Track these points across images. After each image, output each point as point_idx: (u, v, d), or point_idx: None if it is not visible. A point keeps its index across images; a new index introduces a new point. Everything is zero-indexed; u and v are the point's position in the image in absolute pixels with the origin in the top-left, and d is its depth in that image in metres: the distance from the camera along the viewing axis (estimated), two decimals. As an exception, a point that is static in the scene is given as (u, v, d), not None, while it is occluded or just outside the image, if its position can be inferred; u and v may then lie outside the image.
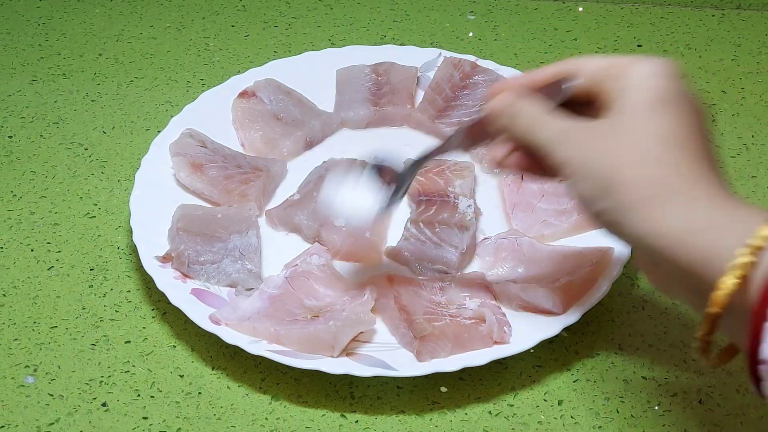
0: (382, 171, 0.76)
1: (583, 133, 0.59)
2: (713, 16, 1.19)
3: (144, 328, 0.80)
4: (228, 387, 0.76)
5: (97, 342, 0.79)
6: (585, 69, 0.63)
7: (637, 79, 0.59)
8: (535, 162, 0.65)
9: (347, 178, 0.76)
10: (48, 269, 0.85)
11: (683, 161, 0.56)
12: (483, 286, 0.81)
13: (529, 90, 0.66)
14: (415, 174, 0.76)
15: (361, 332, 0.76)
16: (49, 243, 0.88)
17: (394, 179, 0.75)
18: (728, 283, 0.50)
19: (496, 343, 0.76)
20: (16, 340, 0.79)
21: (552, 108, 0.64)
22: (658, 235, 0.54)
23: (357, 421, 0.74)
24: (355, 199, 0.75)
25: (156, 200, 0.88)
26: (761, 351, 0.49)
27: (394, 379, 0.76)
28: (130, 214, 0.85)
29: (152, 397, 0.75)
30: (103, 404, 0.75)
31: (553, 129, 0.61)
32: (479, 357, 0.74)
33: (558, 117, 0.62)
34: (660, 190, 0.55)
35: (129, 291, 0.84)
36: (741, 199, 0.55)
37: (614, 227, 0.57)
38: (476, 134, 0.71)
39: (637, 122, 0.57)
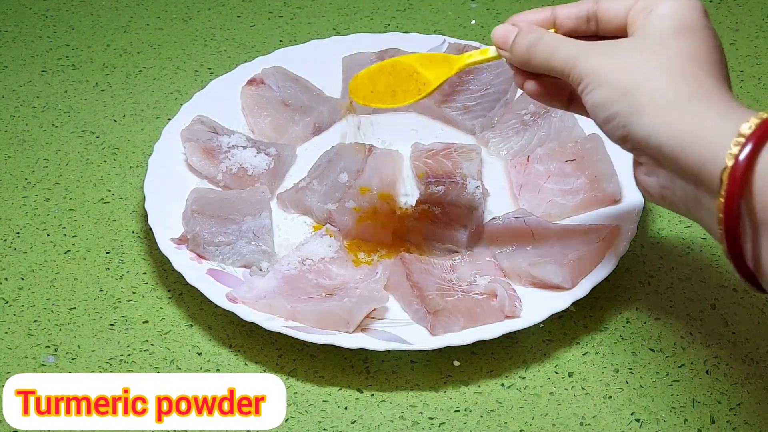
0: None
1: (605, 48, 0.63)
2: (711, 1, 1.20)
3: (161, 308, 0.82)
4: (245, 364, 0.78)
5: (115, 322, 0.81)
6: (611, 7, 0.66)
7: (663, 10, 0.62)
8: (549, 90, 0.71)
9: None
10: (65, 253, 0.87)
11: (700, 74, 0.60)
12: (492, 263, 0.82)
13: (548, 25, 0.70)
14: None
15: (375, 309, 0.78)
16: (64, 228, 0.89)
17: None
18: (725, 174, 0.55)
19: (507, 317, 0.77)
20: (35, 321, 0.81)
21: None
22: (668, 136, 0.58)
23: (373, 395, 0.75)
24: None
25: (169, 184, 0.89)
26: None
27: (408, 353, 0.78)
28: (144, 198, 0.87)
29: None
30: (124, 382, 0.76)
31: (574, 47, 0.65)
32: (491, 330, 0.76)
33: (577, 40, 0.66)
34: (677, 95, 0.58)
35: (145, 273, 0.85)
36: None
37: (624, 130, 0.60)
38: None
39: (659, 41, 0.61)
